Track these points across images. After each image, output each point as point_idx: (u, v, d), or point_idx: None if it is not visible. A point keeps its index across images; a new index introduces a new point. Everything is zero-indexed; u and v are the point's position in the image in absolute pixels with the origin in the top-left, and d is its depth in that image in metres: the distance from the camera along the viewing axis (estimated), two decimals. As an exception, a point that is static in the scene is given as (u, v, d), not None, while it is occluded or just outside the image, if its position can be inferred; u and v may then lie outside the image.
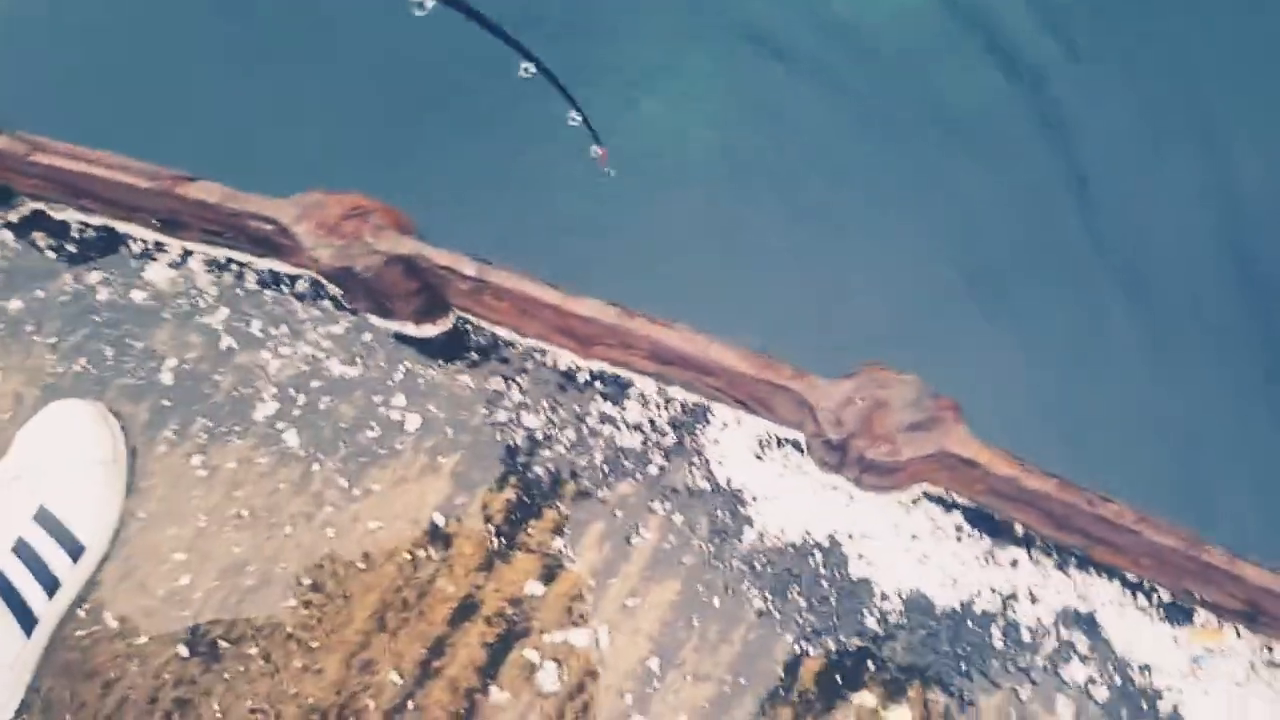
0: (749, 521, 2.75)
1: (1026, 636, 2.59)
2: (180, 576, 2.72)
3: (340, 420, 2.89)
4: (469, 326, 2.99)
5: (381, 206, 2.66)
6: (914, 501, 2.72)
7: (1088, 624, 2.60)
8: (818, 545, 2.71)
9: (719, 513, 2.76)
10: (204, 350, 3.00)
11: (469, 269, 2.57)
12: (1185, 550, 2.26)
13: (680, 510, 2.76)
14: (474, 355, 2.96)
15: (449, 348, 2.98)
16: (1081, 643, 2.58)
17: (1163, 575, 2.46)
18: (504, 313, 2.76)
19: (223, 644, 2.65)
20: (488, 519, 2.77)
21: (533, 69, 3.15)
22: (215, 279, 3.10)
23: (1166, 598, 2.61)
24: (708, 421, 2.85)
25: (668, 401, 2.88)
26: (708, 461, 2.81)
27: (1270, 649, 2.52)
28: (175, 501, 2.81)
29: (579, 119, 3.51)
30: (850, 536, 2.72)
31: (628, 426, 2.84)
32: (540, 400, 2.89)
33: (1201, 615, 2.58)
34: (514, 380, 2.90)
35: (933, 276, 5.95)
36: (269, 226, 2.69)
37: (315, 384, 2.94)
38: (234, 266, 3.10)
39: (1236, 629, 2.56)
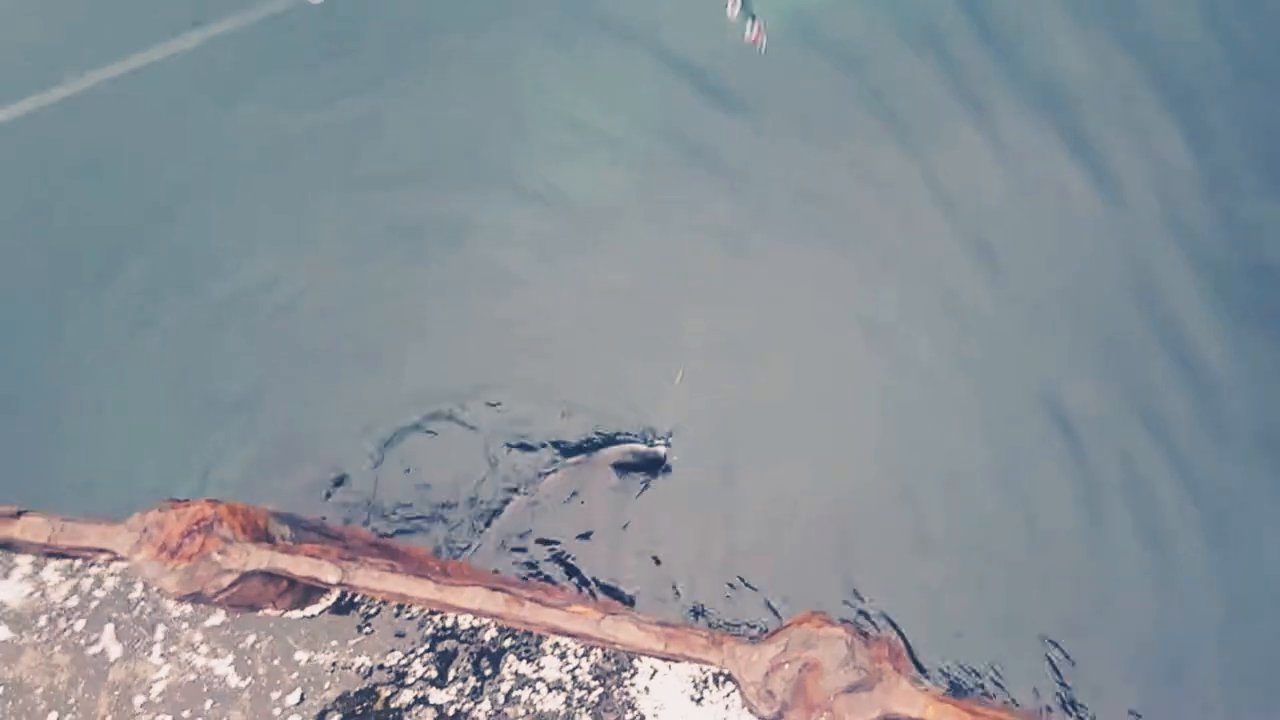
0: (695, 779, 2.48)
1: None
2: None
3: (232, 736, 2.61)
4: (356, 598, 2.71)
5: (228, 510, 2.37)
6: (870, 731, 2.46)
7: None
8: (773, 795, 2.45)
9: (661, 773, 2.49)
10: (74, 672, 2.71)
11: (331, 575, 2.29)
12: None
13: (619, 777, 2.50)
14: (367, 627, 2.67)
15: (339, 623, 2.68)
16: None
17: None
18: (384, 596, 2.48)
19: None
20: (407, 828, 2.50)
21: None
22: (73, 587, 2.80)
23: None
24: (634, 669, 2.57)
25: (588, 650, 2.60)
26: (641, 715, 2.54)
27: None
28: None
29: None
30: (808, 779, 2.45)
31: (547, 686, 2.56)
32: (447, 670, 2.60)
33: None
34: (414, 652, 2.62)
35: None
36: (106, 555, 2.39)
37: (201, 696, 2.65)
38: (91, 571, 2.80)
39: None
